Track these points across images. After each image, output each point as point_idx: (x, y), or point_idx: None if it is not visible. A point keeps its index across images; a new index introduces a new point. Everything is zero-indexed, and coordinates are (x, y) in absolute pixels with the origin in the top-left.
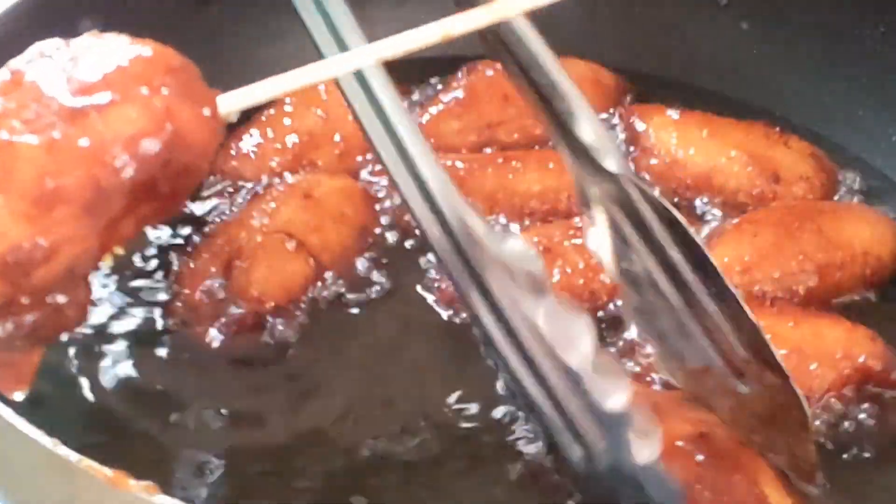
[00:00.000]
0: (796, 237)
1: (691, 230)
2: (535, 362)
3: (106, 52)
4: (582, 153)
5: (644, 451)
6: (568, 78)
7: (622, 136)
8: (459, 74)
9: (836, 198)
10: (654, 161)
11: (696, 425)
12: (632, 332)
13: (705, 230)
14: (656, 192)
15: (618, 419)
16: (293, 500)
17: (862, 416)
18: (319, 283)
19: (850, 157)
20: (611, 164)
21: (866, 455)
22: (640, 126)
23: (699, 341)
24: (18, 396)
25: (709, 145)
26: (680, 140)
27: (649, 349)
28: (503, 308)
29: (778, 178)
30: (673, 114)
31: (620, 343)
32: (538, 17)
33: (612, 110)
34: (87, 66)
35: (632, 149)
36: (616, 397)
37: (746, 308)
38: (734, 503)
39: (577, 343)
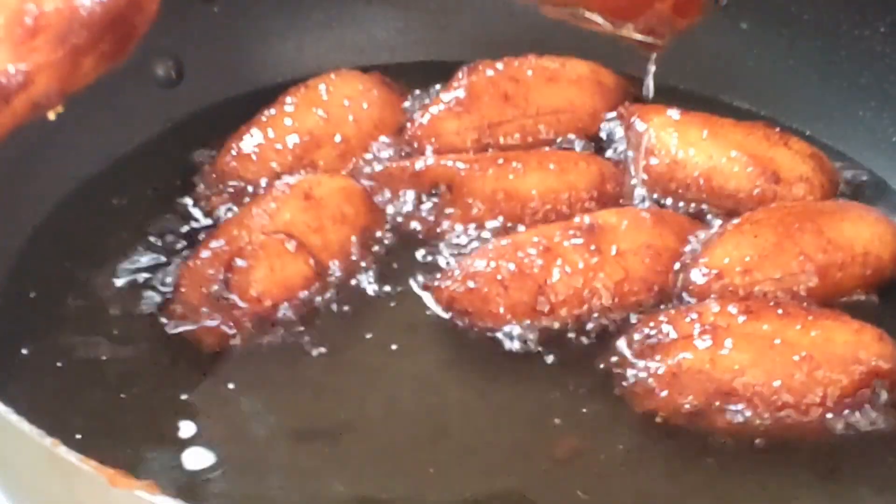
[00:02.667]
0: (797, 238)
1: None
2: None
3: None
4: None
5: None
6: None
7: (623, 136)
8: (460, 74)
9: (836, 198)
10: (654, 161)
11: None
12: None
13: (705, 231)
14: None
15: None
16: (293, 498)
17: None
18: (319, 284)
19: (851, 158)
20: None
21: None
22: (640, 126)
23: None
24: None
25: (709, 146)
26: (680, 140)
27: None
28: None
29: (778, 178)
30: (673, 114)
31: (630, 343)
32: (538, 18)
33: (612, 111)
34: None
35: (632, 149)
36: None
37: None
38: None
39: None
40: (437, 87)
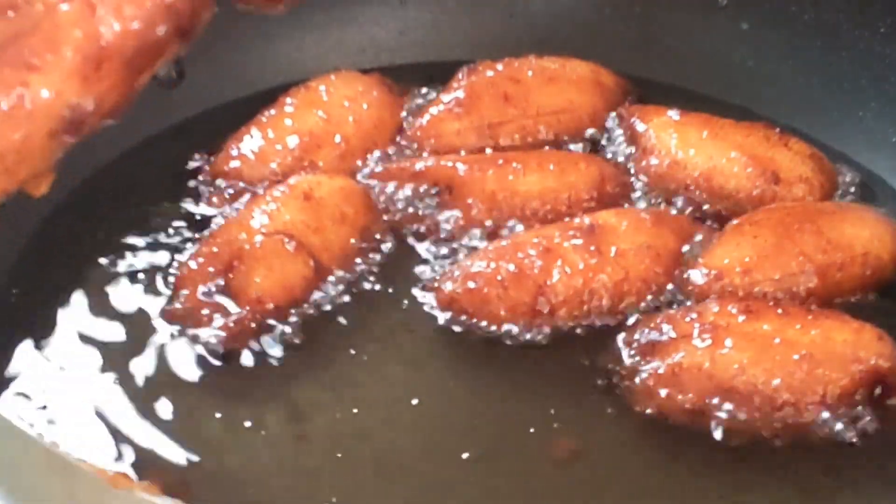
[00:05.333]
0: (796, 238)
1: None
2: None
3: None
4: None
5: None
6: None
7: (623, 136)
8: (460, 75)
9: (835, 198)
10: (654, 161)
11: None
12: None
13: (705, 231)
14: None
15: None
16: (293, 498)
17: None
18: (319, 284)
19: (850, 158)
20: None
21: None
22: (640, 127)
23: None
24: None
25: (709, 146)
26: (680, 141)
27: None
28: None
29: (778, 179)
30: (673, 115)
31: (629, 343)
32: (539, 18)
33: (612, 111)
34: None
35: (632, 149)
36: None
37: None
38: None
39: None
40: (438, 87)
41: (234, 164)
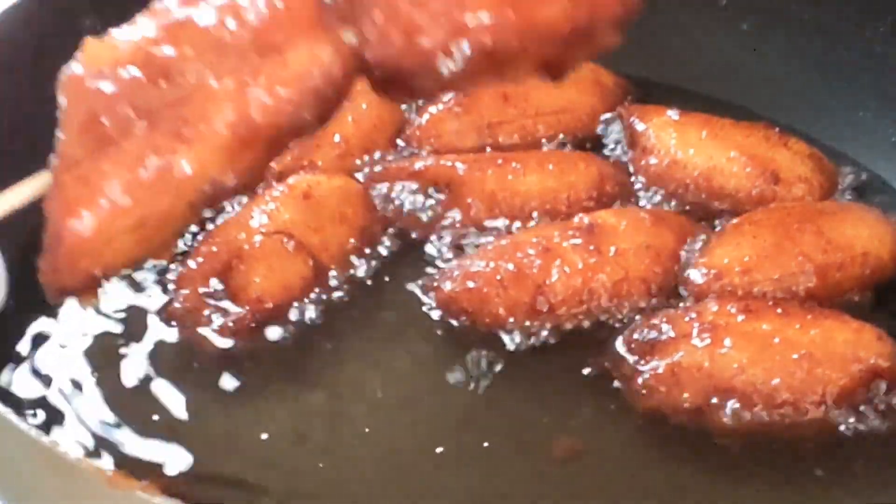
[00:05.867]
0: (796, 238)
1: None
2: None
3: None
4: None
5: None
6: None
7: (622, 136)
8: None
9: (835, 198)
10: (653, 161)
11: None
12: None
13: (705, 231)
14: None
15: None
16: (293, 498)
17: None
18: (318, 284)
19: (850, 158)
20: None
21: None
22: (639, 126)
23: None
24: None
25: (708, 146)
26: (680, 141)
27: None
28: None
29: (777, 178)
30: (673, 114)
31: (629, 343)
32: None
33: (612, 111)
34: (249, 12)
35: (632, 149)
36: None
37: None
38: None
39: None
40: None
41: None
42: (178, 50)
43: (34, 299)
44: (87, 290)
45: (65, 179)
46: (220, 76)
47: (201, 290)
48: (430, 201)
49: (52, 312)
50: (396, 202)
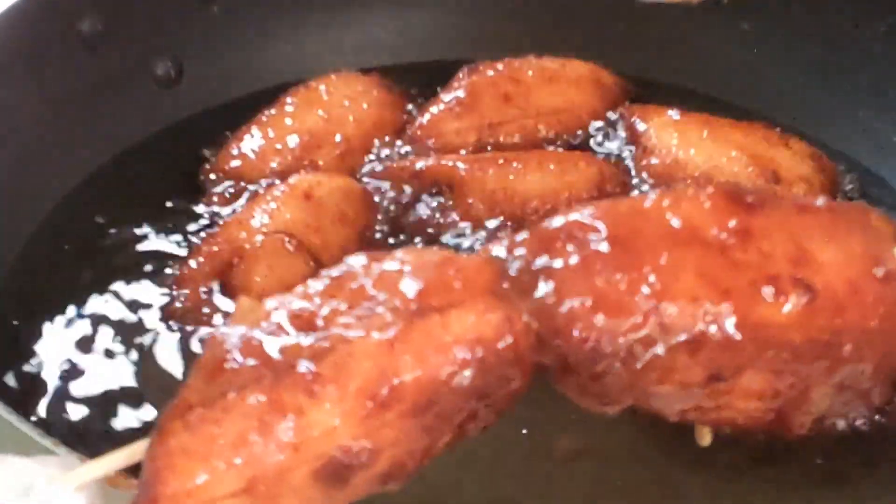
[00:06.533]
0: None
1: None
2: None
3: (425, 262)
4: None
5: None
6: None
7: (623, 136)
8: (460, 74)
9: (836, 198)
10: (654, 161)
11: None
12: None
13: None
14: None
15: None
16: None
17: None
18: None
19: (850, 159)
20: None
21: None
22: (640, 126)
23: None
24: None
25: (709, 146)
26: (680, 140)
27: None
28: None
29: (778, 178)
30: (674, 114)
31: None
32: (538, 18)
33: (612, 110)
34: (416, 272)
35: (632, 149)
36: None
37: None
38: None
39: None
40: (438, 87)
41: (235, 163)
42: (331, 303)
43: (33, 298)
44: None
45: (174, 426)
46: (367, 330)
47: (202, 289)
48: (431, 201)
49: (51, 311)
50: (397, 202)
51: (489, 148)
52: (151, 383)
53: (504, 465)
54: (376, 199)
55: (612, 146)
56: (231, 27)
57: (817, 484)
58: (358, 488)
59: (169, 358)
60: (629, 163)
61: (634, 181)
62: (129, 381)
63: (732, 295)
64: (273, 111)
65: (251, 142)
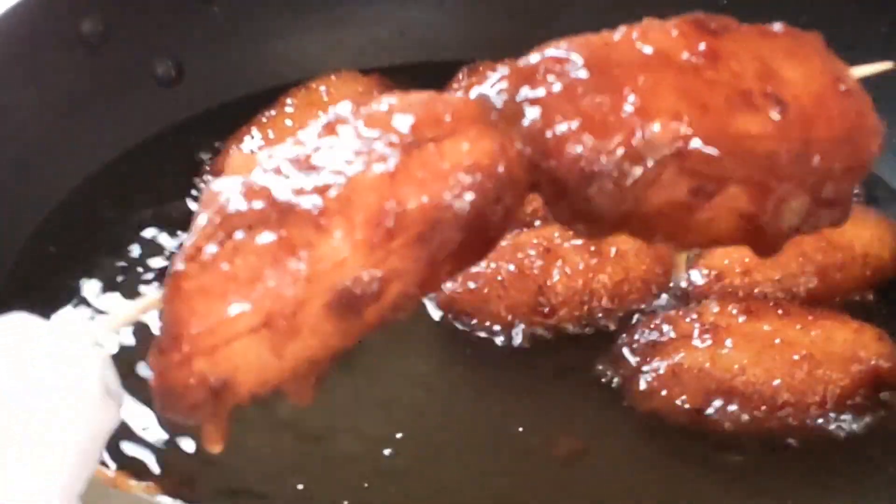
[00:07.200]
0: (796, 238)
1: None
2: None
3: (413, 101)
4: None
5: None
6: None
7: None
8: (460, 76)
9: None
10: None
11: None
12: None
13: None
14: None
15: None
16: (294, 500)
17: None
18: None
19: None
20: None
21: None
22: None
23: None
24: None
25: None
26: None
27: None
28: None
29: None
30: None
31: (630, 344)
32: (538, 18)
33: None
34: (405, 109)
35: None
36: None
37: None
38: None
39: None
40: (438, 87)
41: None
42: (327, 144)
43: (32, 299)
44: (209, 413)
45: (189, 269)
46: (367, 164)
47: None
48: None
49: (50, 311)
50: None
51: None
52: (149, 384)
53: (504, 465)
54: None
55: None
56: (231, 27)
57: (818, 485)
58: (370, 321)
59: None
60: None
61: None
62: (129, 381)
63: (711, 109)
64: (273, 112)
65: (251, 142)
